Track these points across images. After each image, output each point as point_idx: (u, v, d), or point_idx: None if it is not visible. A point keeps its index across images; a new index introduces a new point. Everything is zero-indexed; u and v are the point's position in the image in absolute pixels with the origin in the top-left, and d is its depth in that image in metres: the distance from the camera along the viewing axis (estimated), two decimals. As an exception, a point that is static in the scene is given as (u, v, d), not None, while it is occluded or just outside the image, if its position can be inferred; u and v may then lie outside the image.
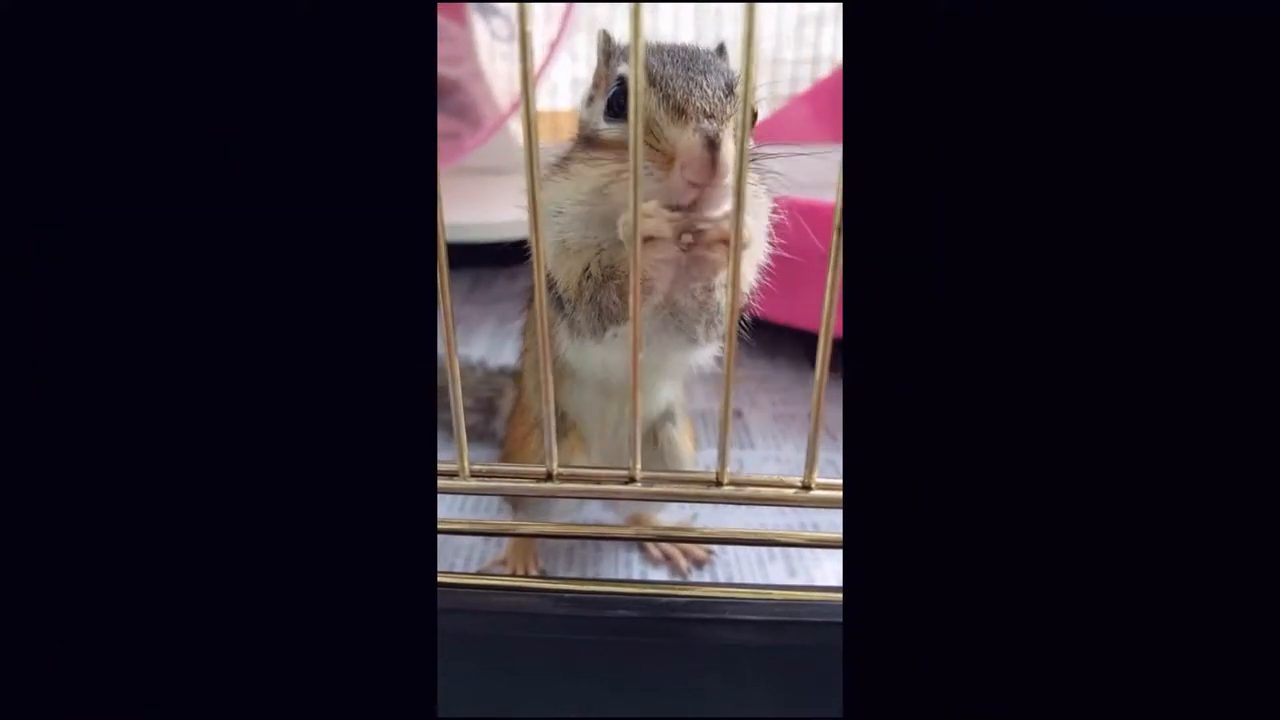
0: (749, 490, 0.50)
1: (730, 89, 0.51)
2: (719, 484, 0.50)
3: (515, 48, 1.55)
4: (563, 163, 0.57)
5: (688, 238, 0.49)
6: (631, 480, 0.50)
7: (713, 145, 0.47)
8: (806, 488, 0.49)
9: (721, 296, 0.56)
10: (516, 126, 1.53)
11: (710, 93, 0.50)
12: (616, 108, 0.53)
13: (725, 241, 0.49)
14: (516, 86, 1.50)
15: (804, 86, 1.61)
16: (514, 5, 1.49)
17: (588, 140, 0.57)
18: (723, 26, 1.54)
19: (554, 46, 1.44)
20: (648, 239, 0.48)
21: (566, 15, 1.42)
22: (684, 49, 0.54)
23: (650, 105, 0.49)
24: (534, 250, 0.44)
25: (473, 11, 1.53)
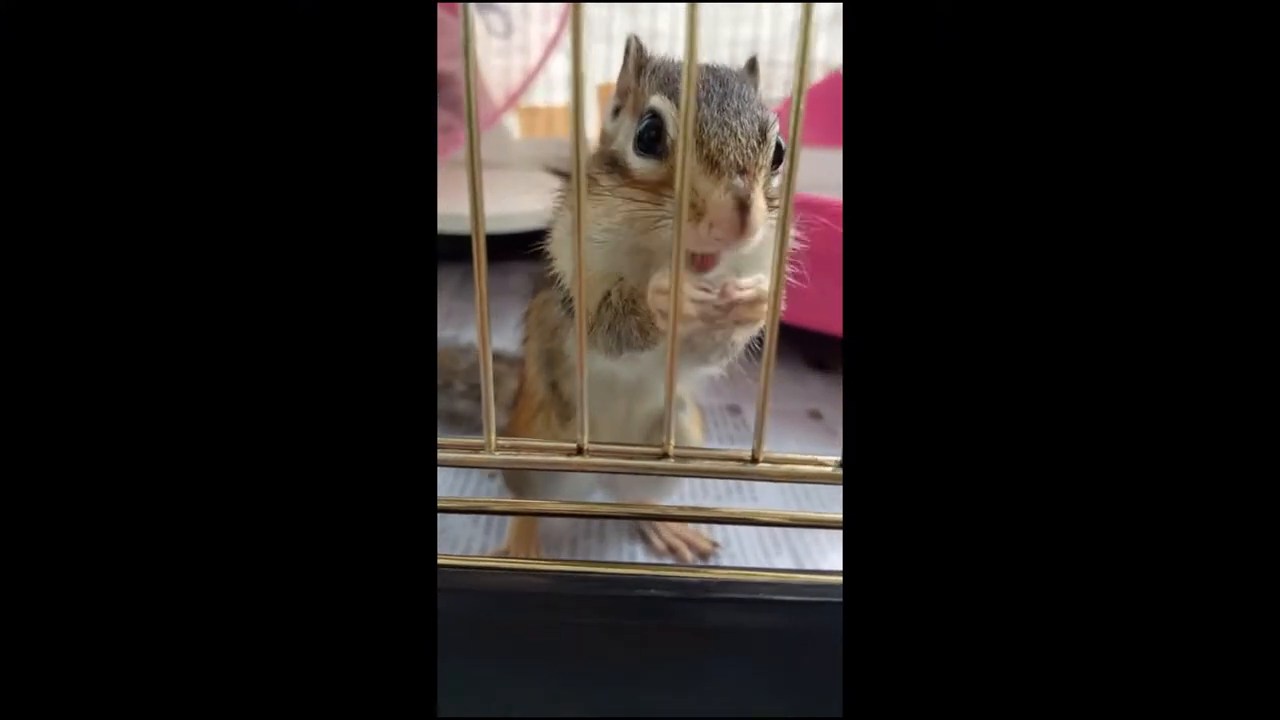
0: (785, 468, 0.49)
1: (764, 133, 0.50)
2: (755, 461, 0.49)
3: (510, 43, 1.53)
4: (588, 181, 0.54)
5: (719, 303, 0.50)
6: (665, 455, 0.49)
7: (744, 207, 0.46)
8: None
9: (738, 338, 0.56)
10: (511, 121, 1.52)
11: (744, 141, 0.48)
12: (647, 141, 0.51)
13: (750, 311, 0.50)
14: (511, 80, 1.49)
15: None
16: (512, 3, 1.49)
17: (612, 161, 0.54)
18: (719, 28, 1.55)
19: (552, 42, 1.43)
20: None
21: (566, 12, 1.42)
22: (717, 77, 0.52)
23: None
24: (576, 246, 0.43)
25: (471, 11, 1.52)
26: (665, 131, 0.51)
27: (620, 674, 0.58)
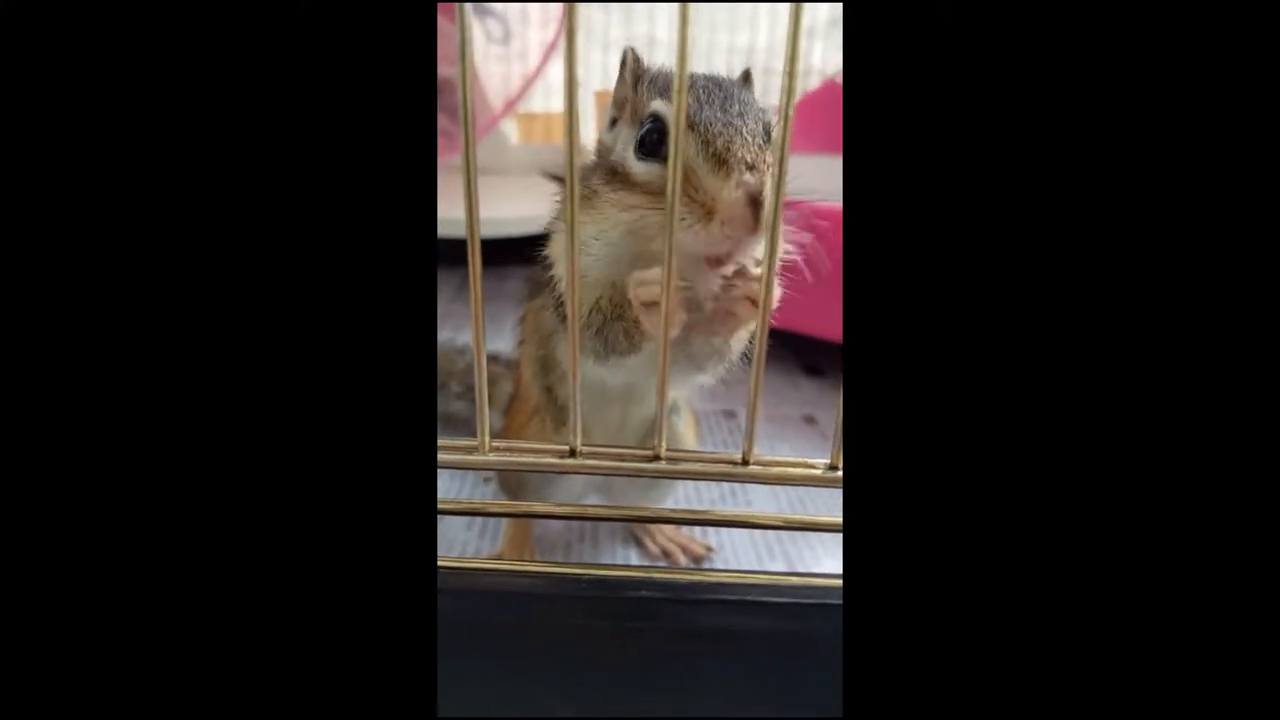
0: (776, 470, 0.49)
1: (768, 133, 0.50)
2: (745, 463, 0.49)
3: (509, 50, 1.54)
4: (586, 194, 0.54)
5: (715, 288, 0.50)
6: (656, 458, 0.50)
7: (756, 203, 0.46)
8: (834, 468, 0.49)
9: (735, 345, 0.57)
10: (509, 127, 1.52)
11: (751, 140, 0.49)
12: (650, 146, 0.52)
13: (750, 299, 0.50)
14: (510, 87, 1.50)
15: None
16: (508, 7, 1.49)
17: (612, 171, 0.54)
18: (716, 34, 1.55)
19: (551, 48, 1.44)
20: (654, 303, 0.47)
21: (564, 18, 1.43)
22: (716, 83, 0.53)
23: (689, 152, 0.48)
24: (568, 249, 0.44)
25: (467, 12, 1.53)
26: (668, 134, 0.51)
27: (612, 675, 0.58)
